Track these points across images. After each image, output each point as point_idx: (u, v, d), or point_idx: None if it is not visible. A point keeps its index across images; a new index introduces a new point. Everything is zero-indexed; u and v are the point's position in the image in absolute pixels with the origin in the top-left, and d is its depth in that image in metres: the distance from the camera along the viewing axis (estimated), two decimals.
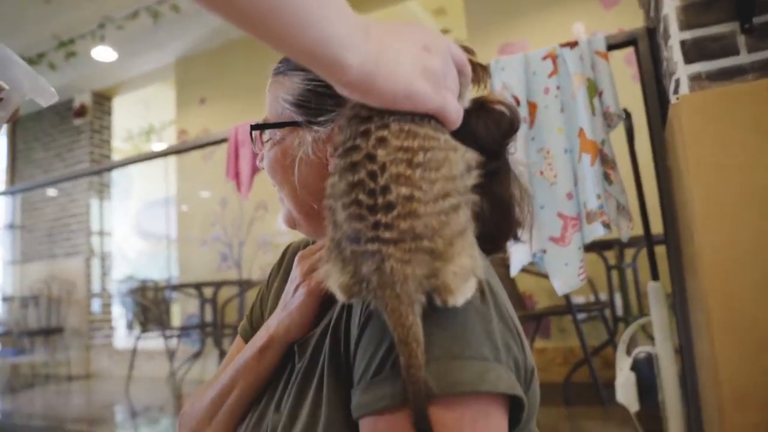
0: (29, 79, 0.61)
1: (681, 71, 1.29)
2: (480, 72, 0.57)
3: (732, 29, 1.24)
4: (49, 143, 6.70)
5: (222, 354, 4.35)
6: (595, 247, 2.83)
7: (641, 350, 1.74)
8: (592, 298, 3.30)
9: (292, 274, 0.70)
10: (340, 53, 0.43)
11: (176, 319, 5.91)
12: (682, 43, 1.29)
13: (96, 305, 6.19)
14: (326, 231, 0.49)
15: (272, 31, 0.41)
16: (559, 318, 3.58)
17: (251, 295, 4.64)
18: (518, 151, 1.67)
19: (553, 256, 1.65)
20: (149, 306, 5.11)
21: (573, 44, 1.70)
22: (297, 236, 0.81)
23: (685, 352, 1.58)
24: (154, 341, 5.06)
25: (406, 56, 0.47)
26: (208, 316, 4.77)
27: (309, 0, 0.41)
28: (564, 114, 1.69)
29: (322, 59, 0.43)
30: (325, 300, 0.65)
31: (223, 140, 2.44)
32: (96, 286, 6.20)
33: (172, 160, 5.74)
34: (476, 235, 0.49)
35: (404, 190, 0.44)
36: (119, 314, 6.31)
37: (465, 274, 0.46)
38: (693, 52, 1.28)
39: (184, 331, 5.12)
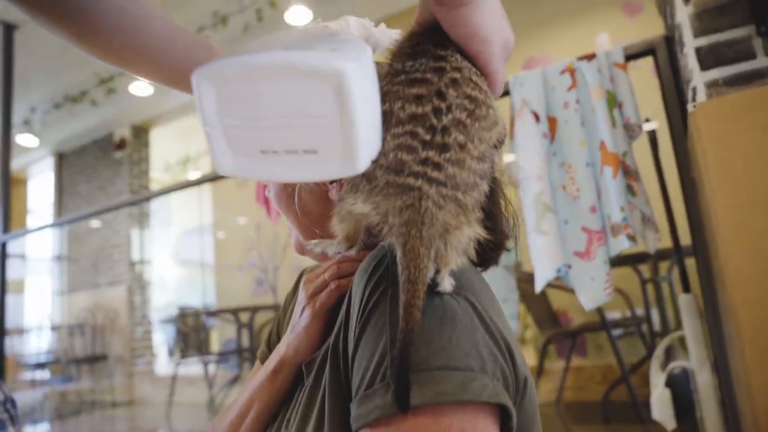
0: None
1: (697, 78, 1.27)
2: None
3: (748, 33, 1.22)
4: (92, 176, 6.98)
5: None
6: (629, 261, 2.77)
7: (676, 365, 1.68)
8: (628, 314, 3.22)
9: (298, 297, 0.72)
10: None
11: (215, 344, 6.00)
12: (698, 50, 1.28)
13: (138, 332, 6.35)
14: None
15: None
16: (596, 335, 3.49)
17: None
18: (539, 167, 1.68)
19: (579, 271, 1.62)
20: (189, 332, 5.21)
21: (591, 57, 1.69)
22: None
23: (720, 365, 1.52)
24: (193, 367, 5.15)
25: (499, 11, 0.48)
26: (245, 341, 4.84)
27: None
28: (585, 127, 1.68)
29: None
30: (330, 320, 0.66)
31: None
32: (138, 314, 6.37)
33: (207, 188, 5.90)
34: None
35: (461, 137, 0.45)
36: (160, 341, 6.46)
37: (462, 249, 0.47)
38: (709, 58, 1.26)
39: (222, 356, 5.19)
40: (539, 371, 2.96)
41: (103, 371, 6.10)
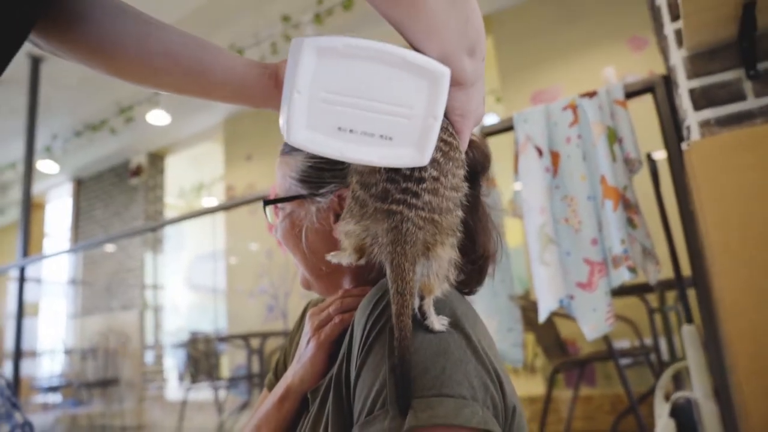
0: None
1: (691, 118, 1.32)
2: None
3: (738, 76, 1.28)
4: (109, 202, 7.12)
5: None
6: (636, 290, 2.79)
7: (680, 395, 1.70)
8: (636, 343, 3.22)
9: (304, 329, 0.78)
10: None
11: (225, 369, 6.02)
12: (691, 91, 1.33)
13: (149, 357, 6.39)
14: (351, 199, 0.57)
15: None
16: (604, 364, 3.48)
17: None
18: (542, 200, 1.73)
19: (581, 302, 1.66)
20: (199, 357, 5.24)
21: (592, 94, 1.76)
22: None
23: (722, 397, 1.54)
24: (203, 392, 5.17)
25: (481, 95, 0.57)
26: (255, 367, 4.86)
27: None
28: (586, 162, 1.73)
29: None
30: (334, 351, 0.72)
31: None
32: (149, 339, 6.42)
33: (220, 215, 6.00)
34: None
35: (435, 172, 0.53)
36: (171, 366, 6.49)
37: (443, 274, 0.55)
38: (702, 99, 1.32)
39: (232, 381, 5.21)
40: (547, 400, 2.96)
41: (114, 395, 6.14)
